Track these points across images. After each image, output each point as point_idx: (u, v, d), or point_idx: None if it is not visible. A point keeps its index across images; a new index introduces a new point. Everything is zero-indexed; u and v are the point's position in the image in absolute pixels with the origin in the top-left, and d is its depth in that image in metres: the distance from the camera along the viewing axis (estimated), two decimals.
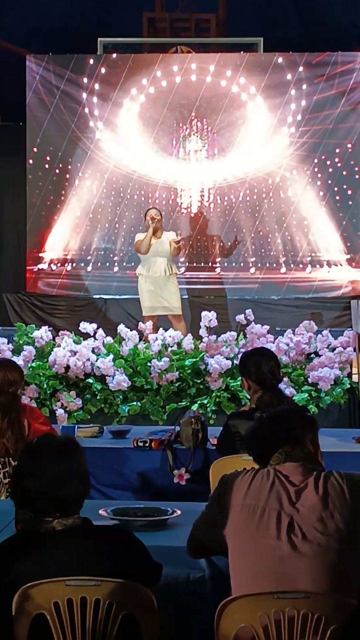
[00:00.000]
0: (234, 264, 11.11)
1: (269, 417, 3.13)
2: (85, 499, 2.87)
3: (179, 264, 10.36)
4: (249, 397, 4.97)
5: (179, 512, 3.70)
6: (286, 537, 2.75)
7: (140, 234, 9.19)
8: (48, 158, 11.24)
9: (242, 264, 11.09)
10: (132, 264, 9.33)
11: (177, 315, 9.09)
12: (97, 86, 11.20)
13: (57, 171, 11.23)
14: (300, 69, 11.03)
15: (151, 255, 9.04)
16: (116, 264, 11.15)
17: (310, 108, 11.03)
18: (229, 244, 11.10)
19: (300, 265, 11.06)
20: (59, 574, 2.67)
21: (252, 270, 11.06)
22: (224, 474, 3.04)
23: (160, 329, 7.84)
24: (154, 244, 9.02)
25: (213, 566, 3.22)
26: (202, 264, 11.12)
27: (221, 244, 11.14)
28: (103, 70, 11.21)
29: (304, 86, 11.04)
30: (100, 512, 3.63)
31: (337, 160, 11.05)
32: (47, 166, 11.23)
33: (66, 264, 11.24)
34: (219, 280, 11.13)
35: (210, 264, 11.12)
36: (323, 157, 11.05)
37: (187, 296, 10.45)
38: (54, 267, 11.26)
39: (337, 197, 11.06)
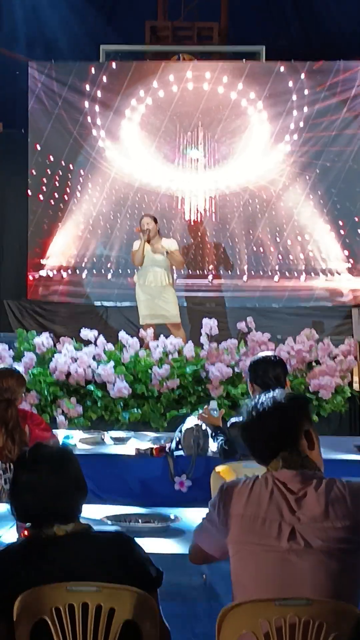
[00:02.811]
0: (237, 272, 11.10)
1: (258, 413, 3.02)
2: (83, 503, 2.88)
3: (177, 271, 10.22)
4: None
5: (180, 518, 3.70)
6: (288, 546, 2.74)
7: (137, 241, 9.11)
8: (49, 165, 11.24)
9: (245, 271, 11.08)
10: (135, 271, 9.32)
11: (176, 324, 9.05)
12: (99, 93, 11.20)
13: (59, 178, 11.23)
14: (302, 77, 11.04)
15: (147, 264, 8.98)
16: (120, 270, 11.14)
17: (312, 116, 11.03)
18: (222, 255, 11.09)
19: (302, 274, 11.05)
20: (60, 579, 2.66)
21: (245, 278, 11.05)
22: (223, 482, 3.02)
23: (161, 336, 7.83)
24: (149, 253, 8.97)
25: (214, 573, 3.22)
26: (205, 272, 11.11)
27: (218, 252, 11.14)
28: (105, 77, 11.22)
29: (306, 95, 11.04)
30: (101, 518, 3.63)
31: (338, 168, 11.05)
32: (48, 173, 11.22)
33: (67, 271, 11.23)
34: (218, 288, 11.12)
35: (210, 272, 11.12)
36: (324, 166, 11.05)
37: (186, 304, 10.43)
38: (55, 274, 11.25)
39: (338, 206, 11.06)
